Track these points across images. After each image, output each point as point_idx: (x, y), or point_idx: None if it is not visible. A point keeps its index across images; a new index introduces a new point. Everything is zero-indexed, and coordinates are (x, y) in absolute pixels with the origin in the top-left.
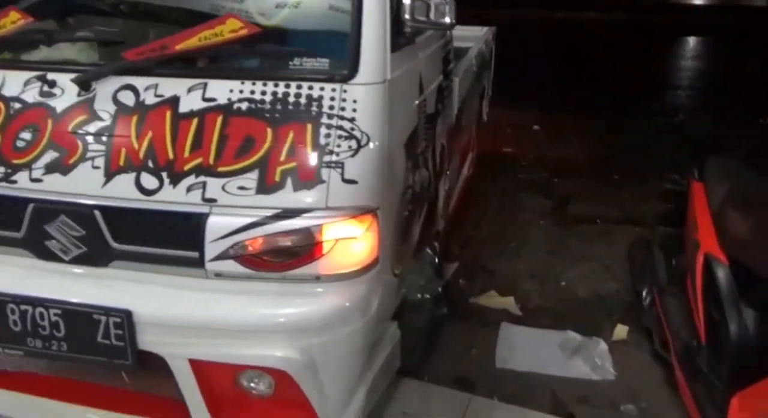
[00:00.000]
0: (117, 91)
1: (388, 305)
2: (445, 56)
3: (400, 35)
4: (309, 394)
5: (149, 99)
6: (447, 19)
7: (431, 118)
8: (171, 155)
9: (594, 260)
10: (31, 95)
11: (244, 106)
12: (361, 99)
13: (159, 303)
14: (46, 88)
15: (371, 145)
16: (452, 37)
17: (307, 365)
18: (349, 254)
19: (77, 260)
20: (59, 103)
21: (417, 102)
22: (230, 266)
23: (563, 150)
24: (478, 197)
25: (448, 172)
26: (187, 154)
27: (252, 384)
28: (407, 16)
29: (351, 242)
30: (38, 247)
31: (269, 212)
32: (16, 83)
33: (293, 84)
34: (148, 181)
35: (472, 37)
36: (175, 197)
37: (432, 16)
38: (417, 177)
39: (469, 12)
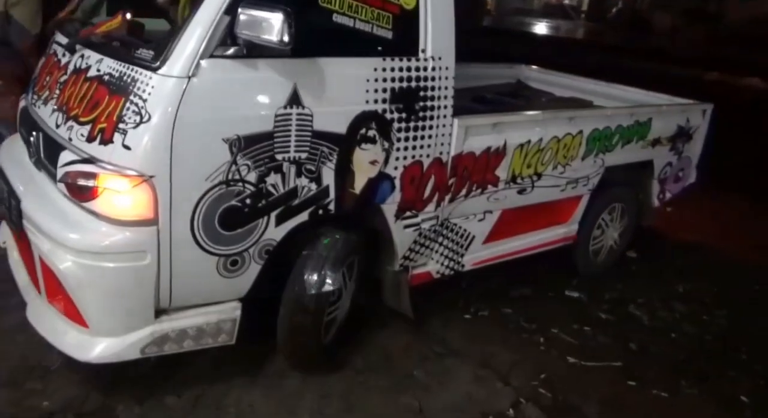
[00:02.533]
0: (79, 57)
1: (196, 274)
2: (408, 90)
3: (234, 45)
4: (76, 302)
5: (83, 65)
6: (273, 37)
7: (330, 137)
8: (71, 104)
9: None
10: (61, 55)
11: (106, 77)
12: (157, 86)
13: (32, 203)
14: (66, 52)
15: (150, 123)
16: (441, 77)
17: (70, 275)
18: (116, 205)
19: (34, 163)
20: (63, 61)
21: (277, 111)
22: (63, 189)
23: None
24: None
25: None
26: (75, 104)
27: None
28: (236, 30)
29: (117, 194)
30: (28, 148)
31: (84, 156)
32: (62, 50)
33: (132, 67)
34: (59, 119)
35: (631, 99)
36: (62, 133)
37: (263, 33)
38: (273, 180)
39: None
